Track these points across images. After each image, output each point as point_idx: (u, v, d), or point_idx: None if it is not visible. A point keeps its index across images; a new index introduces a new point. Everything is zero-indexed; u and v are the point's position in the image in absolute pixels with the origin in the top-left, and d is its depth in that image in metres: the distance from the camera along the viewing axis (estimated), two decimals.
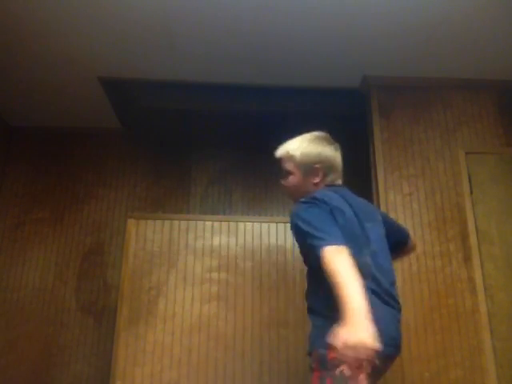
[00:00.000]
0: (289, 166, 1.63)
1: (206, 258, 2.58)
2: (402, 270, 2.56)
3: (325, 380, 1.27)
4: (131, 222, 2.62)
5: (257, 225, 2.67)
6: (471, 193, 2.73)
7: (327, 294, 1.29)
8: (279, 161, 1.68)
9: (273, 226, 2.66)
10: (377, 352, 1.18)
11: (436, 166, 2.81)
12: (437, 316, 2.49)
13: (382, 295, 1.41)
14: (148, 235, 2.60)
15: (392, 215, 2.69)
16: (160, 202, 3.60)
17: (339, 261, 1.27)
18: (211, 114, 3.73)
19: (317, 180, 1.58)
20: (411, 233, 2.65)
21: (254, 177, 3.74)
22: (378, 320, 1.22)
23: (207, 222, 2.67)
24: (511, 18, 2.47)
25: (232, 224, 2.67)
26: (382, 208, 2.71)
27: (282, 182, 1.67)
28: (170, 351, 2.41)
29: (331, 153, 1.62)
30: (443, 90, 3.00)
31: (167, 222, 2.64)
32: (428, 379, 2.37)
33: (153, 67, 2.95)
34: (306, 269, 1.56)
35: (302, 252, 1.53)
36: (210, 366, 2.40)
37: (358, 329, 1.15)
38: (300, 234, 1.42)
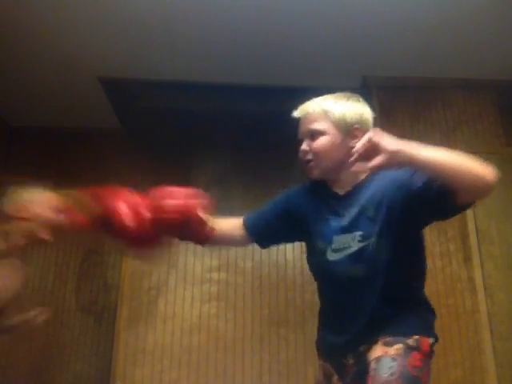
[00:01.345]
0: (321, 125, 1.31)
1: (205, 258, 2.58)
2: None
3: (427, 365, 1.22)
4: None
5: None
6: None
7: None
8: (302, 119, 1.38)
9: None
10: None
11: None
12: (437, 316, 2.48)
13: None
14: None
15: None
16: None
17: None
18: (211, 113, 3.73)
19: (356, 143, 1.22)
20: None
21: (254, 177, 3.74)
22: None
23: None
24: (511, 18, 2.48)
25: None
26: None
27: (305, 146, 1.33)
28: (170, 351, 2.41)
29: (369, 114, 1.37)
30: (443, 89, 3.00)
31: None
32: None
33: (153, 67, 2.95)
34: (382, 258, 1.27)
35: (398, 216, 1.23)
36: (210, 365, 2.40)
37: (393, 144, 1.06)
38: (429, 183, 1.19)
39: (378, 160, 1.08)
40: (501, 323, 2.48)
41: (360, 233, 1.25)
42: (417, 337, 1.23)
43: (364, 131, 1.26)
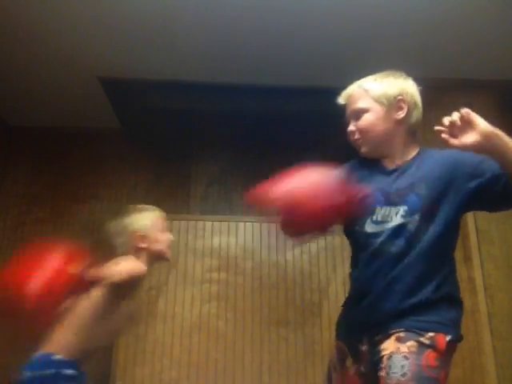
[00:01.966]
0: (362, 103, 1.36)
1: (206, 258, 2.59)
2: None
3: (444, 364, 1.16)
4: None
5: (257, 225, 2.67)
6: None
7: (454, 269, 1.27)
8: (347, 104, 1.42)
9: (273, 226, 2.66)
10: None
11: None
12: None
13: None
14: None
15: None
16: (160, 202, 3.60)
17: None
18: (211, 113, 3.73)
19: (402, 114, 1.34)
20: None
21: (254, 177, 3.73)
22: None
23: (207, 222, 2.67)
24: (511, 17, 2.48)
25: (232, 224, 2.68)
26: None
27: (351, 127, 1.37)
28: (170, 351, 2.41)
29: (413, 87, 1.43)
30: (443, 90, 3.00)
31: (167, 223, 2.64)
32: None
33: (153, 67, 2.95)
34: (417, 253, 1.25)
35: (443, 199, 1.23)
36: (210, 365, 2.40)
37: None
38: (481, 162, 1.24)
39: (471, 138, 1.15)
40: (501, 323, 2.48)
41: (405, 208, 1.23)
42: (432, 334, 1.16)
43: (409, 102, 1.35)
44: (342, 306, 1.40)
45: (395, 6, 2.39)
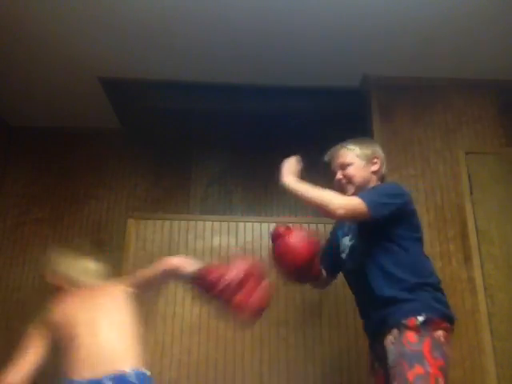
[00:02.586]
0: (348, 159, 1.83)
1: (206, 257, 2.58)
2: None
3: (423, 337, 1.47)
4: (131, 222, 2.62)
5: (257, 225, 2.67)
6: (471, 193, 2.73)
7: (413, 261, 1.63)
8: (332, 160, 1.89)
9: (273, 226, 2.65)
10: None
11: (436, 166, 2.81)
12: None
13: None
14: (148, 235, 2.60)
15: None
16: (160, 202, 3.60)
17: (335, 205, 1.61)
18: (211, 114, 3.73)
19: (376, 168, 1.84)
20: None
21: (254, 177, 3.74)
22: (449, 304, 1.62)
23: (207, 222, 2.67)
24: (511, 18, 2.48)
25: (232, 224, 2.67)
26: None
27: (339, 175, 1.84)
28: (170, 351, 2.41)
29: (381, 150, 1.93)
30: (443, 90, 3.00)
31: (167, 222, 2.64)
32: None
33: (153, 67, 2.95)
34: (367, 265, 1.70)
35: (379, 224, 1.65)
36: (210, 366, 2.40)
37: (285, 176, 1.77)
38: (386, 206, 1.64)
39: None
40: (501, 323, 2.48)
41: (350, 235, 1.79)
42: (406, 319, 1.52)
43: (379, 158, 1.86)
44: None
45: (395, 5, 2.39)
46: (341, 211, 1.57)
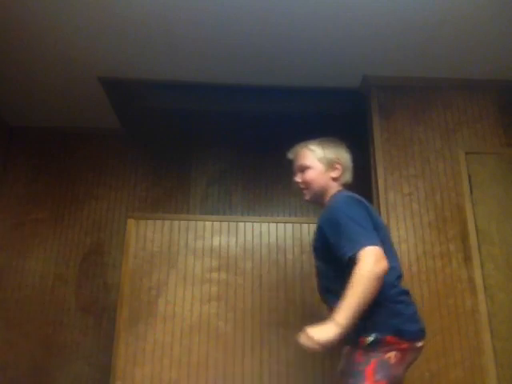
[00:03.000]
0: (308, 161, 1.71)
1: (206, 257, 2.58)
2: (402, 270, 2.56)
3: (370, 359, 1.40)
4: (131, 222, 2.62)
5: (257, 225, 2.67)
6: (471, 193, 2.73)
7: None
8: (294, 159, 1.77)
9: (273, 226, 2.66)
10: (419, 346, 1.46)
11: (436, 166, 2.81)
12: (437, 316, 2.49)
13: (409, 294, 1.58)
14: (148, 235, 2.60)
15: (392, 215, 2.70)
16: (160, 202, 3.60)
17: (373, 267, 1.38)
18: (211, 113, 3.74)
19: (336, 174, 1.71)
20: (411, 233, 2.66)
21: (253, 177, 3.74)
22: (415, 316, 1.50)
23: (207, 222, 2.67)
24: (511, 17, 2.47)
25: (232, 224, 2.67)
26: (382, 208, 2.71)
27: (298, 178, 1.74)
28: (170, 351, 2.41)
29: (347, 154, 1.77)
30: (443, 90, 3.00)
31: (167, 222, 2.64)
32: (428, 379, 2.38)
33: (153, 67, 2.95)
34: (318, 265, 1.68)
35: (324, 245, 1.56)
36: (210, 366, 2.40)
37: (327, 332, 1.38)
38: (338, 225, 1.49)
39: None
40: (501, 323, 2.48)
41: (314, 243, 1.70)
42: (357, 338, 1.46)
43: (342, 164, 1.72)
44: None
45: (395, 5, 2.39)
46: (378, 268, 1.37)
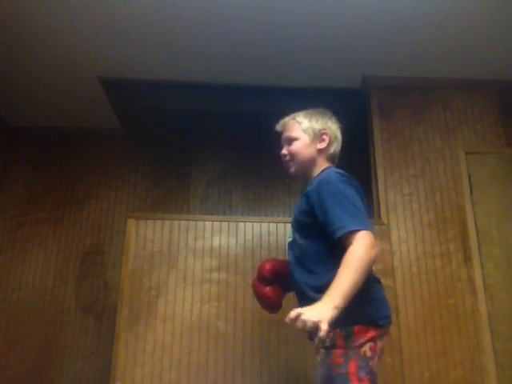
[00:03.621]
0: (294, 133, 1.66)
1: (206, 257, 2.58)
2: (402, 270, 2.56)
3: (349, 358, 1.30)
4: (131, 222, 2.61)
5: (257, 225, 2.66)
6: (471, 193, 2.73)
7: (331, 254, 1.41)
8: (282, 131, 1.72)
9: (273, 225, 2.66)
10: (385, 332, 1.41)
11: (436, 166, 2.81)
12: (437, 316, 2.49)
13: (380, 281, 1.53)
14: (148, 235, 2.60)
15: (392, 215, 2.70)
16: (160, 202, 3.60)
17: (368, 252, 1.30)
18: (211, 113, 3.73)
19: (323, 145, 1.63)
20: (411, 233, 2.66)
21: (253, 177, 3.74)
22: (385, 302, 1.44)
23: (207, 222, 2.67)
24: (511, 17, 2.47)
25: (232, 224, 2.67)
26: (382, 208, 2.71)
27: (284, 150, 1.68)
28: (170, 351, 2.41)
29: (335, 125, 1.69)
30: (443, 90, 3.00)
31: (167, 222, 2.64)
32: (428, 379, 2.38)
33: (153, 67, 2.95)
34: (295, 237, 1.58)
35: (311, 220, 1.47)
36: (210, 366, 2.40)
37: (325, 313, 1.20)
38: (332, 199, 1.41)
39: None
40: (501, 323, 2.48)
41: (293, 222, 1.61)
42: (331, 333, 1.30)
43: (330, 136, 1.64)
44: None
45: (395, 5, 2.39)
46: (373, 254, 1.31)
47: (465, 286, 2.54)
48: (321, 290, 1.29)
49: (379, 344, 1.37)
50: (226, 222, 2.68)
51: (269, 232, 2.64)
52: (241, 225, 2.67)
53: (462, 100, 2.98)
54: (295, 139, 1.65)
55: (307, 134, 1.64)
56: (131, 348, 2.39)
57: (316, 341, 1.29)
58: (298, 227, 1.56)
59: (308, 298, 1.40)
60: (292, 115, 1.72)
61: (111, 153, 3.72)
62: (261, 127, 3.72)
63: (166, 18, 2.49)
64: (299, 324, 1.19)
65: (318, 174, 1.59)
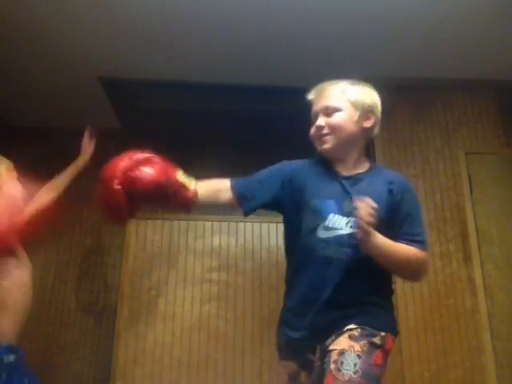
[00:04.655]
0: (338, 102, 1.37)
1: (206, 257, 2.58)
2: None
3: (385, 366, 1.24)
4: (131, 222, 2.62)
5: (257, 225, 2.67)
6: (471, 193, 2.73)
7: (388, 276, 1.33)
8: (317, 99, 1.44)
9: (273, 225, 2.66)
10: None
11: (436, 166, 2.81)
12: (437, 316, 2.49)
13: None
14: (148, 235, 2.60)
15: None
16: None
17: (425, 270, 1.31)
18: (211, 114, 3.73)
19: (369, 124, 1.41)
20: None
21: None
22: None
23: (207, 222, 2.67)
24: (511, 17, 2.47)
25: (232, 224, 2.67)
26: None
27: (320, 121, 1.37)
28: (170, 351, 2.41)
29: (379, 102, 1.49)
30: (443, 90, 3.00)
31: (167, 223, 2.65)
32: (428, 379, 2.38)
33: (153, 67, 2.95)
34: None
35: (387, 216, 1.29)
36: (210, 366, 2.40)
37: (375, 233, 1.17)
38: (418, 212, 1.33)
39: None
40: (501, 323, 2.48)
41: (354, 219, 1.24)
42: (383, 334, 1.23)
43: (376, 114, 1.43)
44: (280, 323, 1.38)
45: (394, 5, 2.39)
46: (426, 272, 1.31)
47: (465, 286, 2.54)
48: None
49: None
50: (226, 222, 2.68)
51: (269, 232, 2.65)
52: (241, 225, 2.67)
53: (462, 100, 2.98)
54: (339, 110, 1.37)
55: (355, 106, 1.38)
56: (131, 348, 2.40)
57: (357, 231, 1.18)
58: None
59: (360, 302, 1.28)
60: (332, 82, 1.44)
61: (111, 153, 3.71)
62: (261, 127, 3.73)
63: (165, 18, 2.49)
64: (363, 212, 1.13)
65: (370, 170, 1.39)
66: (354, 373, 1.15)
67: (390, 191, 1.31)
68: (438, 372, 2.39)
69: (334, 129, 1.36)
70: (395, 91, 2.99)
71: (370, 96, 1.44)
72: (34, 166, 3.61)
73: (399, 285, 2.53)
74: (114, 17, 2.48)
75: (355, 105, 1.38)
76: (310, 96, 1.48)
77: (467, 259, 2.59)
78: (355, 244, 1.23)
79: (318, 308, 1.27)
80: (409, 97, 2.98)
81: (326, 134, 1.37)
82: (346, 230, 1.26)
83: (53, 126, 3.70)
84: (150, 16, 2.48)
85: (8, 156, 3.71)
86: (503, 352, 2.42)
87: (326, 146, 1.37)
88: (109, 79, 3.08)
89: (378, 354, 1.20)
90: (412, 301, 2.51)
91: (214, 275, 2.55)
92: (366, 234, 1.16)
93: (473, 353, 2.42)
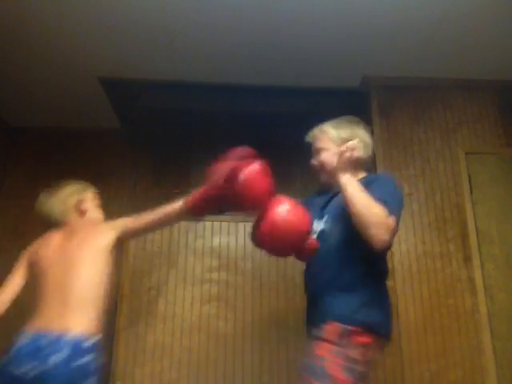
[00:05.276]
0: (321, 143, 1.70)
1: (206, 258, 2.58)
2: (402, 270, 2.56)
3: (335, 356, 1.33)
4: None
5: None
6: (471, 193, 2.73)
7: (365, 269, 1.48)
8: (312, 144, 1.76)
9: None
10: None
11: (436, 166, 2.81)
12: (437, 316, 2.49)
13: None
14: (148, 235, 2.60)
15: None
16: (160, 202, 3.60)
17: (389, 236, 1.39)
18: (211, 113, 3.73)
19: (349, 152, 1.59)
20: (411, 233, 2.66)
21: None
22: (391, 316, 1.52)
23: (207, 222, 2.67)
24: (511, 17, 2.48)
25: (232, 224, 2.67)
26: None
27: (314, 161, 1.72)
28: (170, 351, 2.41)
29: (362, 131, 1.70)
30: (443, 90, 3.00)
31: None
32: (428, 379, 2.38)
33: (153, 67, 2.95)
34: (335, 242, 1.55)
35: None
36: (210, 366, 2.40)
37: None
38: (388, 187, 1.52)
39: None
40: (501, 323, 2.48)
41: (326, 217, 1.60)
42: (324, 324, 1.39)
43: (355, 140, 1.60)
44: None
45: (395, 6, 2.39)
46: (388, 236, 1.39)
47: (465, 286, 2.54)
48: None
49: (372, 353, 1.41)
50: (226, 222, 2.68)
51: None
52: (241, 225, 2.67)
53: (462, 100, 2.98)
54: (323, 149, 1.69)
55: (335, 143, 1.66)
56: (131, 348, 2.40)
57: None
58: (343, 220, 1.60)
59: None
60: (320, 126, 1.75)
61: (111, 153, 3.72)
62: (260, 127, 3.73)
63: (165, 18, 2.49)
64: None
65: (365, 177, 1.65)
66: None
67: (367, 187, 1.49)
68: (438, 372, 2.39)
69: (322, 165, 1.68)
70: (395, 91, 2.99)
71: (349, 129, 1.69)
72: (34, 165, 3.63)
73: (399, 285, 2.53)
74: (114, 17, 2.48)
75: (333, 140, 1.67)
76: (308, 139, 1.78)
77: (467, 259, 2.59)
78: (326, 236, 1.54)
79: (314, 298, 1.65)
80: (409, 97, 2.98)
81: (319, 171, 1.70)
82: (321, 226, 1.59)
83: (53, 125, 3.70)
84: (149, 16, 2.48)
85: (8, 156, 3.72)
86: (503, 352, 2.42)
87: (322, 179, 1.71)
88: (109, 79, 3.08)
89: (320, 345, 1.39)
90: (412, 301, 2.51)
91: (214, 275, 2.55)
92: (342, 163, 1.46)
93: (473, 353, 2.42)
